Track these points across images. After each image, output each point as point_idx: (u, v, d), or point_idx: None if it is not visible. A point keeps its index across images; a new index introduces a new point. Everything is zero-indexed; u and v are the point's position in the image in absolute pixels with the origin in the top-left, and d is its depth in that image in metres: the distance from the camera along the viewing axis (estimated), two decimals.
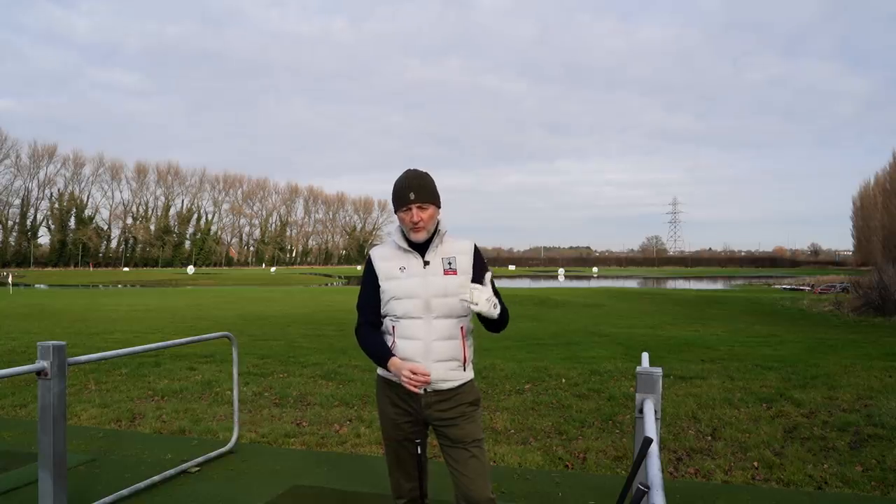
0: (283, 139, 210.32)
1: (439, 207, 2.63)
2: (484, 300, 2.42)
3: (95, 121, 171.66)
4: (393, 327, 2.60)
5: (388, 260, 2.64)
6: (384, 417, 2.71)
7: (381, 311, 2.66)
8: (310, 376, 7.87)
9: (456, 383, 2.60)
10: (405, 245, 2.60)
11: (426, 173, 2.63)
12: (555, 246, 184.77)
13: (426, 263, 2.59)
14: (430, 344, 2.54)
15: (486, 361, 8.66)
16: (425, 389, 2.56)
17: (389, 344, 2.60)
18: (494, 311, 2.45)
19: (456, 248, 2.64)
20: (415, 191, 2.54)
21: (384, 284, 2.62)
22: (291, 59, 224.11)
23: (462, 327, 2.60)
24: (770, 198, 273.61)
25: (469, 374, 2.66)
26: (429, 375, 2.47)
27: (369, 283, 2.67)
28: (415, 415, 2.62)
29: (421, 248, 2.61)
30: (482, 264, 2.67)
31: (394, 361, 2.52)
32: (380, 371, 2.69)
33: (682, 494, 3.93)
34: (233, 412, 5.03)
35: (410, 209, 2.53)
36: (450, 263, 2.59)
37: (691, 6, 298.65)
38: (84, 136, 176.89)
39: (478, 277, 2.61)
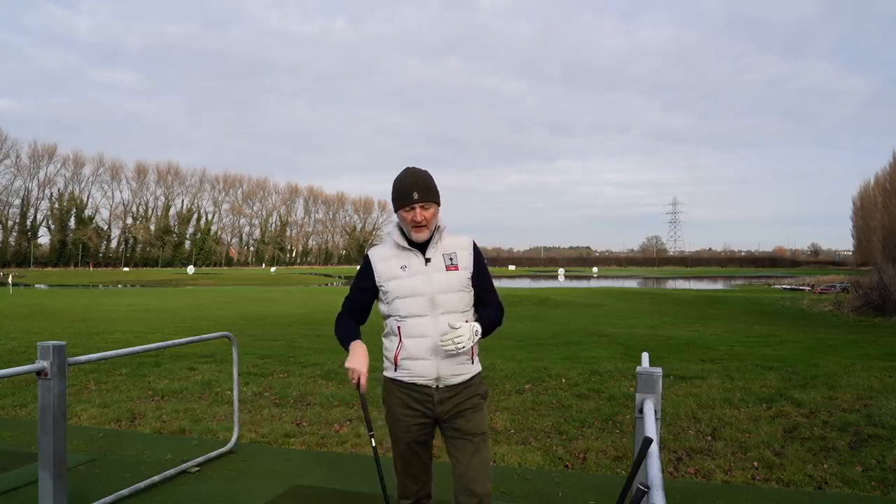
0: (283, 139, 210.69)
1: (440, 205, 2.63)
2: (466, 339, 2.44)
3: (96, 121, 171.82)
4: (398, 328, 2.59)
5: (389, 260, 2.63)
6: (392, 419, 2.69)
7: (385, 311, 2.66)
8: (310, 376, 7.87)
9: (466, 377, 2.62)
10: (405, 243, 2.60)
11: (426, 172, 2.63)
12: (555, 246, 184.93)
13: (427, 260, 2.59)
14: (437, 341, 2.51)
15: (486, 361, 8.62)
16: (437, 386, 2.57)
17: (396, 345, 2.60)
18: (476, 338, 2.51)
19: (455, 243, 2.65)
20: (419, 190, 2.53)
21: (386, 285, 2.61)
22: (292, 59, 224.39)
23: (467, 321, 2.58)
24: (770, 198, 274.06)
25: (477, 367, 2.68)
26: (362, 385, 2.52)
27: (361, 282, 2.69)
28: (426, 415, 2.61)
29: (421, 246, 2.61)
30: (482, 260, 2.69)
31: (355, 344, 2.57)
32: (387, 372, 2.67)
33: (682, 494, 3.93)
34: (233, 412, 5.03)
35: (414, 209, 2.53)
36: (451, 259, 2.60)
37: (691, 6, 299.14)
38: (84, 136, 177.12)
39: (478, 273, 2.65)
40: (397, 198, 2.57)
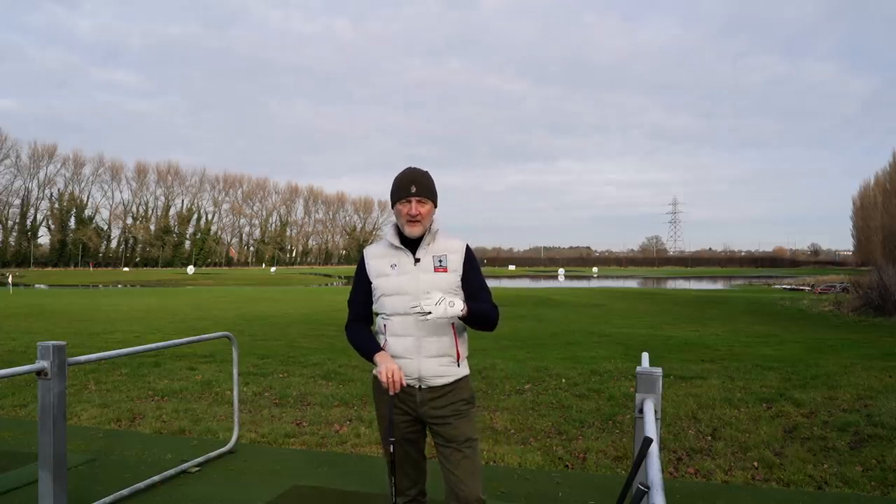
0: (283, 139, 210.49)
1: (436, 206, 2.68)
2: (434, 305, 2.43)
3: (96, 121, 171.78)
4: (385, 325, 2.64)
5: (380, 258, 2.68)
6: (380, 416, 2.74)
7: (374, 308, 2.71)
8: (310, 376, 7.87)
9: (450, 379, 2.62)
10: (397, 242, 2.64)
11: (427, 172, 2.68)
12: (555, 246, 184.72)
13: (417, 260, 2.62)
14: (421, 340, 2.57)
15: (486, 361, 8.66)
16: (420, 387, 2.60)
17: (382, 343, 2.65)
18: (452, 310, 2.45)
19: (448, 246, 2.67)
20: (416, 184, 2.59)
21: (375, 281, 2.66)
22: (293, 58, 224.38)
23: (453, 324, 2.62)
24: (770, 198, 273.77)
25: (464, 370, 2.68)
26: (399, 382, 2.48)
27: (360, 281, 2.74)
28: (412, 414, 2.64)
29: (413, 246, 2.65)
30: (474, 264, 2.70)
31: (381, 354, 2.57)
32: (376, 370, 2.70)
33: (682, 494, 3.93)
34: (233, 412, 5.03)
35: (410, 201, 2.57)
36: (440, 261, 2.62)
37: (692, 7, 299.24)
38: (84, 136, 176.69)
39: (469, 276, 2.66)
40: (395, 191, 2.62)
